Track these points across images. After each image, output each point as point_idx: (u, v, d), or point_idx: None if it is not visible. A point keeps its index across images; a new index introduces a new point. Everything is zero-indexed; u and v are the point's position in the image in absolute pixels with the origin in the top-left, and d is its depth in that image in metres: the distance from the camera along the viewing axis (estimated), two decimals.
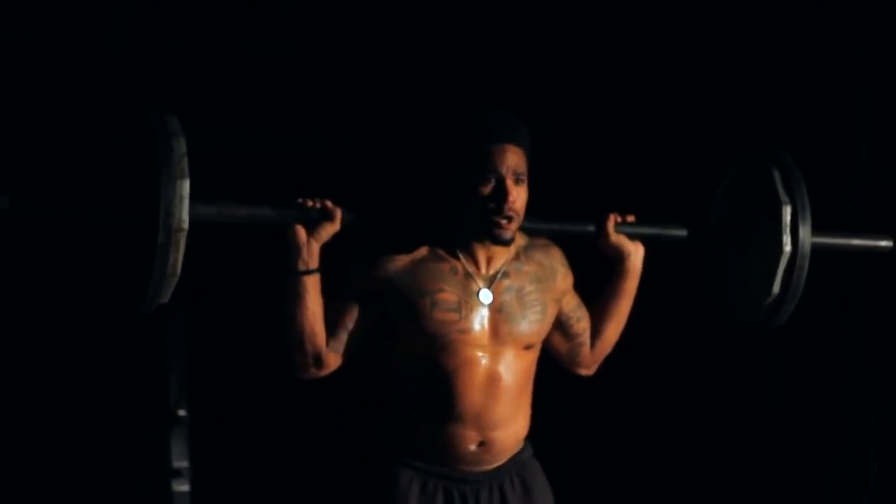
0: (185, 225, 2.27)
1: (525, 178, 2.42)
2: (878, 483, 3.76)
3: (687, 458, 4.24)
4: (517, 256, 2.51)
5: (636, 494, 4.33)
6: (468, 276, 2.47)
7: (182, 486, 3.81)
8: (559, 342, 2.63)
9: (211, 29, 3.92)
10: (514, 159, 2.40)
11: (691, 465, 4.22)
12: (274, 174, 3.95)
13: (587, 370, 2.71)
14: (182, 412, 3.83)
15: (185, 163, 2.27)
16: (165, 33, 3.88)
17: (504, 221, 2.40)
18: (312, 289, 2.42)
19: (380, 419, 2.58)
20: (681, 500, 4.23)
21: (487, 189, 2.39)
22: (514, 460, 2.55)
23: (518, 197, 2.40)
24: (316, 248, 2.42)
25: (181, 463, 3.82)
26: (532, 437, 2.61)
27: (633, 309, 2.73)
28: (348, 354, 2.49)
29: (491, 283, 2.48)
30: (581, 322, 2.64)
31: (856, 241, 2.93)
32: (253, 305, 4.05)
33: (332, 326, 2.46)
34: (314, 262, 2.42)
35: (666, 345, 4.24)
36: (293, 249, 2.41)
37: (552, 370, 2.66)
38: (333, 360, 2.48)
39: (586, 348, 2.66)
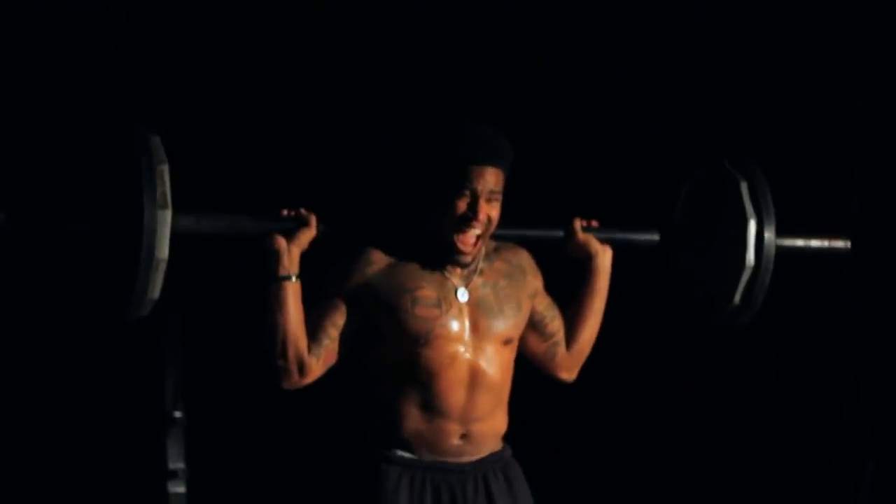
0: (165, 256, 2.30)
1: (500, 195, 2.46)
2: (873, 483, 3.75)
3: (682, 458, 4.23)
4: (488, 256, 2.56)
5: (629, 497, 4.33)
6: (444, 275, 2.51)
7: (178, 488, 3.83)
8: (535, 343, 2.65)
9: (192, 30, 3.93)
10: (491, 180, 2.44)
11: (686, 464, 4.22)
12: (252, 180, 3.96)
13: (568, 373, 2.71)
14: (178, 413, 3.85)
15: (167, 191, 2.29)
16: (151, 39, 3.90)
17: (468, 240, 2.45)
18: (293, 295, 2.43)
19: (364, 417, 2.59)
20: (678, 500, 4.23)
21: (459, 206, 2.44)
22: (497, 456, 2.59)
23: (488, 214, 2.45)
24: (296, 253, 2.44)
25: (177, 464, 3.83)
26: (510, 440, 2.63)
27: (626, 311, 2.74)
28: (330, 361, 2.50)
29: (466, 281, 2.52)
30: (555, 321, 2.66)
31: (814, 243, 2.93)
32: (249, 307, 4.07)
33: (313, 333, 2.47)
34: (294, 269, 2.44)
35: (661, 343, 4.24)
36: (273, 257, 2.43)
37: (531, 377, 2.67)
38: (316, 367, 2.48)
39: (562, 349, 2.68)
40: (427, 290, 2.48)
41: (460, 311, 2.50)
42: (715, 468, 4.15)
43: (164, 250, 2.30)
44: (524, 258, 2.62)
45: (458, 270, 2.51)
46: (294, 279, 2.43)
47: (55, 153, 3.71)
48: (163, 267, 2.31)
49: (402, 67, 4.09)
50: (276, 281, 2.42)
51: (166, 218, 2.29)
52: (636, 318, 3.97)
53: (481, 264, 2.54)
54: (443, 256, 2.49)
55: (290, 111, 4.10)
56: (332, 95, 4.11)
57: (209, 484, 3.94)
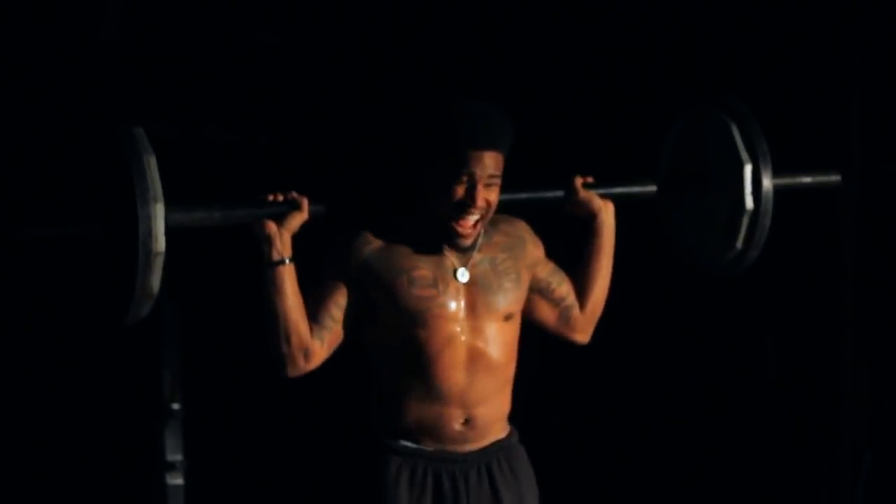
0: (162, 248, 2.29)
1: (499, 179, 2.44)
2: (871, 473, 3.77)
3: (678, 447, 4.24)
4: (485, 231, 2.53)
5: (623, 481, 4.33)
6: (442, 254, 2.50)
7: (176, 480, 3.80)
8: (547, 312, 2.64)
9: (186, 21, 3.93)
10: (490, 164, 2.42)
11: (682, 453, 4.23)
12: (245, 166, 3.96)
13: (583, 335, 2.70)
14: (176, 405, 3.83)
15: (158, 184, 2.29)
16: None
17: (466, 225, 2.43)
18: (289, 279, 2.42)
19: (365, 406, 2.59)
20: (673, 489, 4.24)
21: (458, 190, 2.42)
22: (501, 444, 2.57)
23: (487, 199, 2.43)
24: (287, 237, 2.43)
25: (175, 456, 3.81)
26: (515, 421, 2.62)
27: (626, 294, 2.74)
28: (335, 343, 2.49)
29: (465, 259, 2.50)
30: (562, 285, 2.64)
31: (805, 179, 2.92)
32: (247, 298, 4.07)
33: (315, 316, 2.46)
34: (288, 252, 2.42)
35: (656, 333, 4.25)
36: (265, 242, 2.42)
37: (532, 351, 2.67)
38: (321, 350, 2.47)
39: (576, 310, 2.66)
40: (424, 270, 2.47)
41: (458, 290, 2.48)
42: (711, 457, 4.16)
43: (160, 243, 2.28)
44: (523, 228, 2.60)
45: (456, 248, 2.50)
46: (288, 262, 2.41)
47: (43, 153, 3.69)
48: (160, 261, 2.30)
49: (390, 40, 4.07)
50: (270, 266, 2.40)
51: (159, 211, 2.28)
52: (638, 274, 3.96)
53: (479, 240, 2.51)
54: (441, 238, 2.48)
55: (285, 96, 4.09)
56: (328, 79, 4.11)
57: (208, 476, 3.93)
